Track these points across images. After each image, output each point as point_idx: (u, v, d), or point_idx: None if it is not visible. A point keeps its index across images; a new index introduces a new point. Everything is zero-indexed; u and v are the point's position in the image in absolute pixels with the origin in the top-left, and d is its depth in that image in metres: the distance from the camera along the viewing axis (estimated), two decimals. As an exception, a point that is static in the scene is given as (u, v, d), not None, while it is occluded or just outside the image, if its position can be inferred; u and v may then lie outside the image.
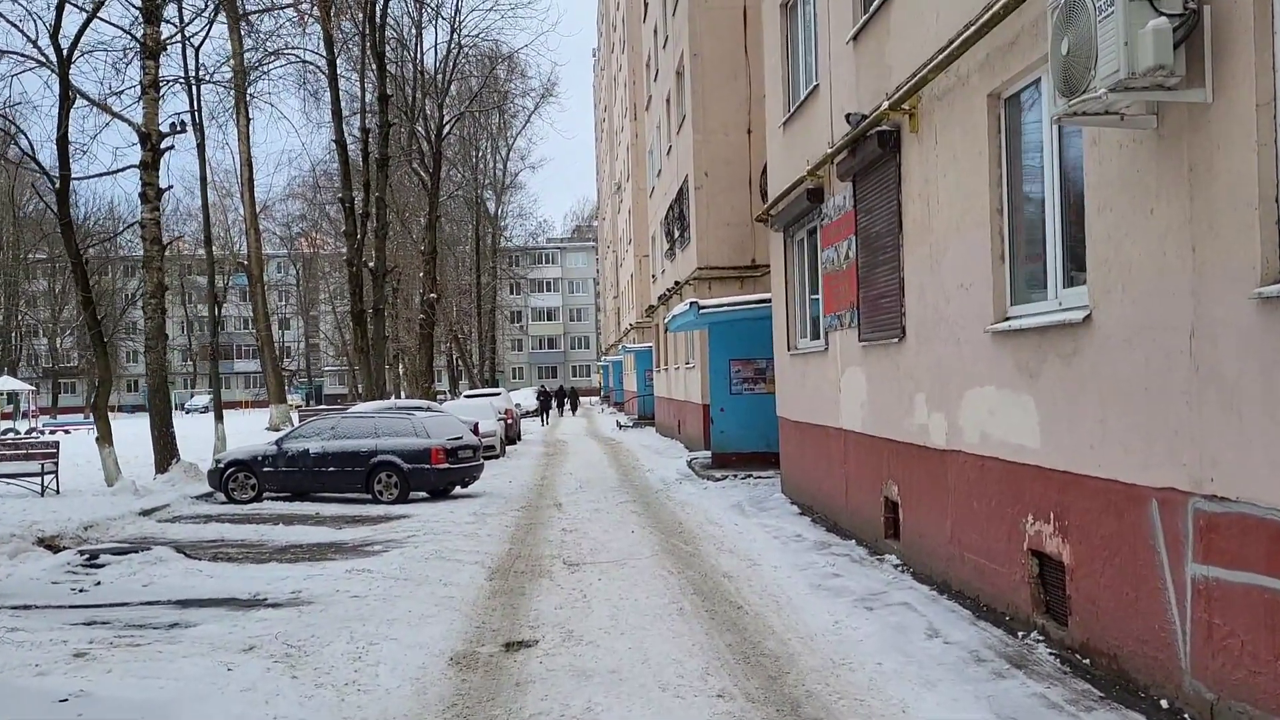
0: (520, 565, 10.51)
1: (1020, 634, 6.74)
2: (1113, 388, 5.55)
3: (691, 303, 17.19)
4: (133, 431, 33.80)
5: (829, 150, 10.58)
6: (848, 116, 9.56)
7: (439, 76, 36.07)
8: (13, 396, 50.26)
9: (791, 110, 12.90)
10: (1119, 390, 5.49)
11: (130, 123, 19.29)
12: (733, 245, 23.43)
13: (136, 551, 11.30)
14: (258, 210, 38.36)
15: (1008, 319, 6.98)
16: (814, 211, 11.96)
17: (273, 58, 28.78)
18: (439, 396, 44.77)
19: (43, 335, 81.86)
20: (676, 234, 26.94)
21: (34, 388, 51.94)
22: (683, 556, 10.66)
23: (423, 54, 36.02)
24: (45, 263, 72.66)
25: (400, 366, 54.36)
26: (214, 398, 26.12)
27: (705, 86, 23.55)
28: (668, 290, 28.57)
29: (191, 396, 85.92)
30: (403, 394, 46.46)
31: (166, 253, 21.55)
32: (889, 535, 9.79)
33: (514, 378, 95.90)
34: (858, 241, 10.25)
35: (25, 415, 47.01)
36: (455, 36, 35.21)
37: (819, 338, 12.37)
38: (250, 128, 35.14)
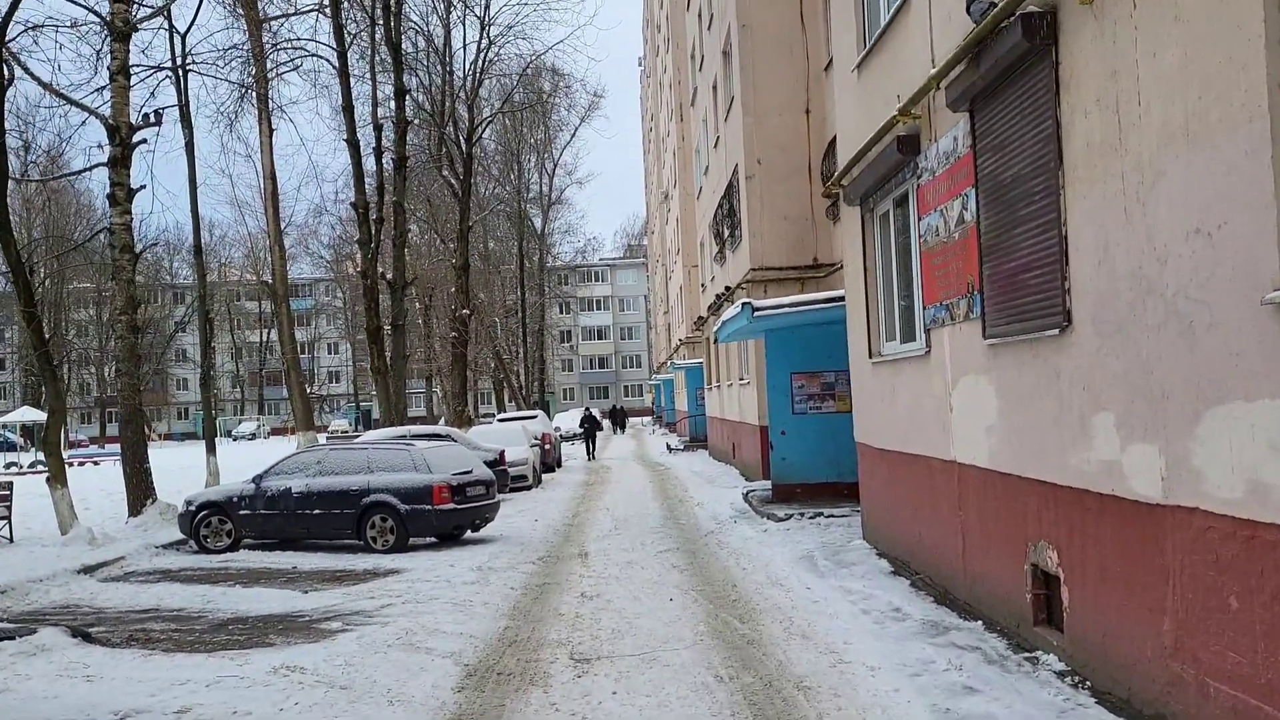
0: (510, 660, 7.54)
1: None
2: None
3: (744, 304, 14.15)
4: (178, 462, 31.75)
5: (934, 72, 7.52)
6: (969, 7, 6.51)
7: (468, 78, 33.62)
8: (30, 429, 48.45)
9: (870, 43, 9.86)
10: None
11: (95, 113, 16.84)
12: (791, 242, 20.32)
13: (13, 638, 8.60)
14: (287, 229, 36.06)
15: (1310, 280, 3.89)
16: (906, 168, 8.90)
17: (278, 50, 26.28)
18: (480, 420, 42.02)
19: (90, 364, 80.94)
20: (726, 233, 23.88)
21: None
22: (737, 645, 7.61)
23: (451, 55, 33.58)
24: (91, 291, 72.02)
25: (440, 388, 51.84)
26: (206, 425, 23.38)
27: (756, 61, 20.53)
28: (717, 297, 25.50)
29: (239, 424, 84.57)
30: (442, 419, 43.91)
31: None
32: (1041, 622, 6.66)
33: (564, 399, 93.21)
34: (979, 195, 7.17)
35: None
36: (485, 33, 32.77)
37: (914, 339, 9.28)
38: (274, 139, 32.88)
